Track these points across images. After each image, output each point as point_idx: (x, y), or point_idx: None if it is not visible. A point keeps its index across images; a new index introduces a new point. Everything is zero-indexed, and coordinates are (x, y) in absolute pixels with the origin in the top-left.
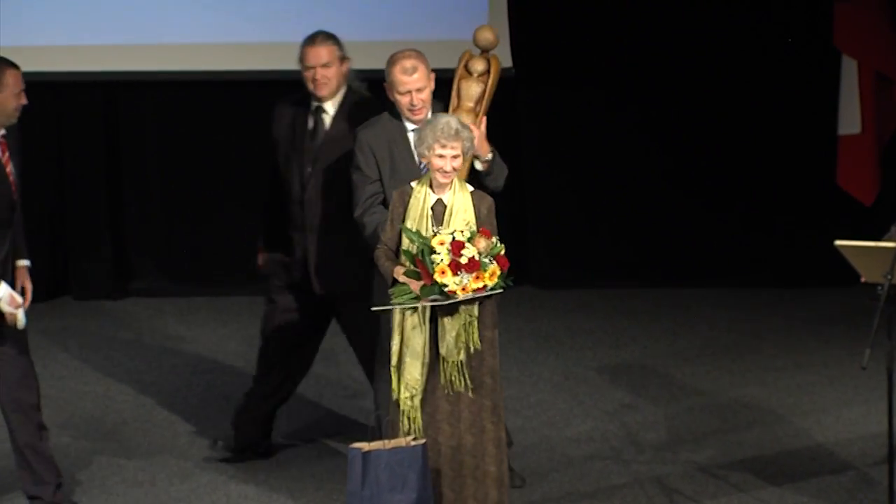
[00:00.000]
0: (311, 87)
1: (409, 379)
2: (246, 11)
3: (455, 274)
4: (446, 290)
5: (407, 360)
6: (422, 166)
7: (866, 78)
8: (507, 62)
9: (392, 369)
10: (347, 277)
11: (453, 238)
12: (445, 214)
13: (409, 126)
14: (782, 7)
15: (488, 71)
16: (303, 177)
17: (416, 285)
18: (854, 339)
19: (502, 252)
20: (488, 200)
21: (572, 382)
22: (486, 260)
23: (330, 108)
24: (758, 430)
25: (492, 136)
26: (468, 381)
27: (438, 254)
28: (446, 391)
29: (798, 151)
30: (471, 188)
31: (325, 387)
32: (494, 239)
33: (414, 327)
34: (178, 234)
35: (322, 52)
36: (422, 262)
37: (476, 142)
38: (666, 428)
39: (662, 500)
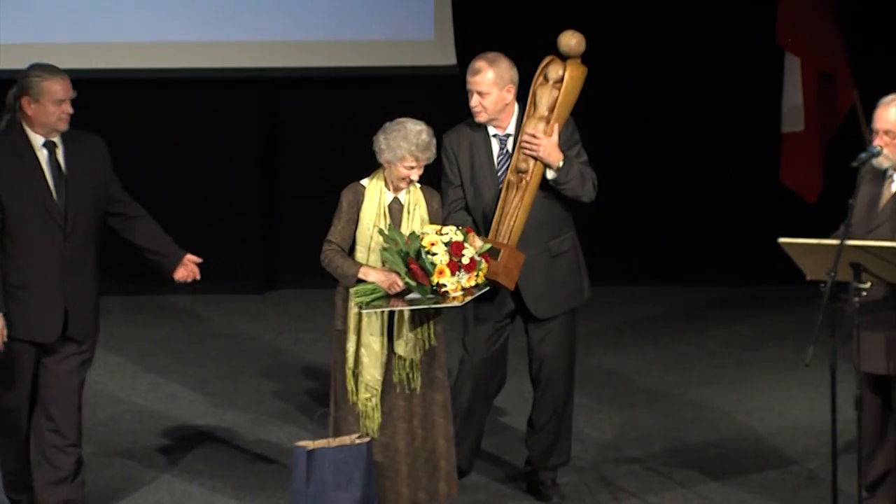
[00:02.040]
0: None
1: (369, 380)
2: (185, 10)
3: (453, 274)
4: (443, 290)
5: (365, 361)
6: (500, 173)
7: (809, 76)
8: (452, 59)
9: (348, 371)
10: None
11: (450, 239)
12: (403, 213)
13: (493, 131)
14: (726, 6)
15: (564, 78)
16: None
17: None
18: (797, 337)
19: (487, 250)
20: (437, 195)
21: (517, 380)
22: (479, 259)
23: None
24: (702, 427)
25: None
26: (421, 378)
27: (436, 254)
28: (398, 389)
29: (743, 150)
30: (419, 184)
31: (270, 385)
32: (480, 237)
33: (372, 329)
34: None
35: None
36: (417, 263)
37: (545, 150)
38: (610, 426)
39: (606, 498)
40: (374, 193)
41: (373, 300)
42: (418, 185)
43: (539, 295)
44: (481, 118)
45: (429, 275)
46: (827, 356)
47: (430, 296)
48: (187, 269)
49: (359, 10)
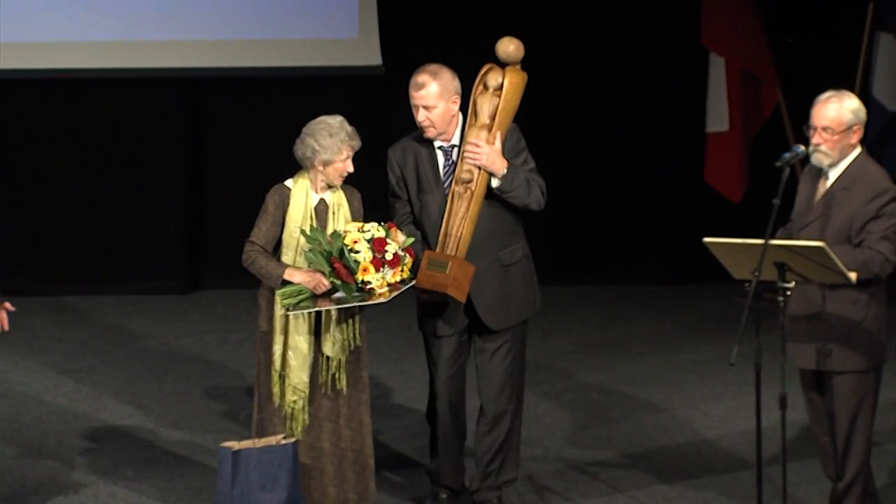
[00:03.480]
0: None
1: (297, 382)
2: (108, 10)
3: (378, 270)
4: (367, 287)
5: (293, 363)
6: (446, 185)
7: (733, 76)
8: (377, 59)
9: (274, 374)
10: None
11: (372, 236)
12: (328, 214)
13: (438, 142)
14: (650, 6)
15: (504, 85)
16: None
17: (312, 284)
18: (722, 336)
19: (411, 244)
20: (357, 193)
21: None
22: (402, 253)
23: None
24: (627, 427)
25: (363, 135)
26: (347, 378)
27: (359, 252)
28: (324, 390)
29: (668, 150)
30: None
31: (195, 385)
32: (402, 231)
33: (300, 331)
34: (46, 232)
35: None
36: (341, 262)
37: (488, 159)
38: (536, 425)
39: (533, 498)
40: (301, 195)
41: (299, 301)
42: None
43: (492, 306)
44: (431, 133)
45: (353, 273)
46: (752, 355)
47: (356, 294)
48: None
49: (282, 8)
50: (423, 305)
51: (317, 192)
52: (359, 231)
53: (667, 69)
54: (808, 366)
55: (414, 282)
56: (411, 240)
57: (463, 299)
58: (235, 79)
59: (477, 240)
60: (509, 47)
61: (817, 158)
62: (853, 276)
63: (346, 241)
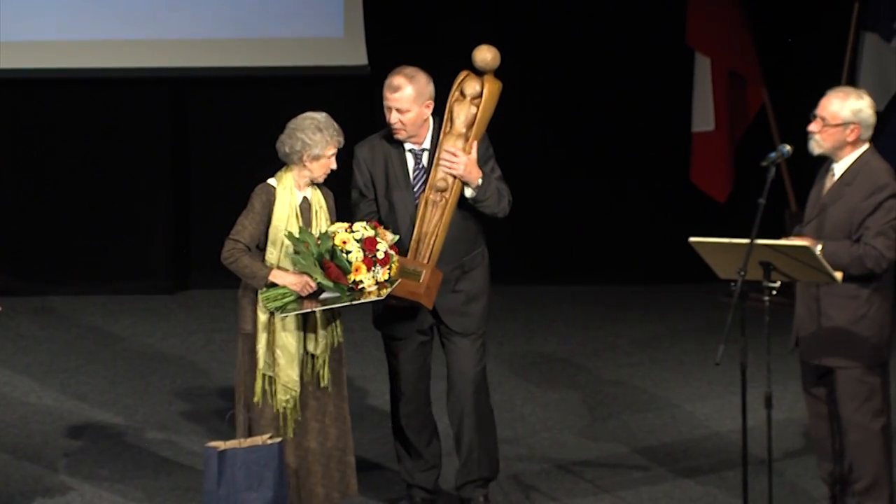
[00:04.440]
0: None
1: (287, 381)
2: (93, 9)
3: (369, 270)
4: (360, 286)
5: (281, 362)
6: (415, 188)
7: (719, 76)
8: (363, 59)
9: (259, 374)
10: None
11: (362, 236)
12: (312, 212)
13: (408, 145)
14: (636, 6)
15: (482, 94)
16: None
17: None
18: (708, 336)
19: (395, 242)
20: (331, 193)
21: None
22: (391, 252)
23: None
24: (613, 427)
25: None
26: (332, 376)
27: (350, 252)
28: (310, 388)
29: (653, 149)
30: None
31: (181, 386)
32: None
33: (287, 330)
34: (31, 232)
35: None
36: (333, 262)
37: (466, 169)
38: (522, 425)
39: (519, 497)
40: (286, 194)
41: (285, 304)
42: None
43: (454, 310)
44: (401, 136)
45: (346, 273)
46: (737, 355)
47: (347, 294)
48: None
49: (268, 7)
50: (385, 307)
51: (300, 189)
52: (347, 231)
53: (652, 69)
54: (810, 360)
55: (399, 280)
56: (396, 237)
57: (431, 306)
58: (221, 78)
59: (445, 246)
60: (487, 56)
61: (811, 145)
62: (839, 275)
63: (336, 242)
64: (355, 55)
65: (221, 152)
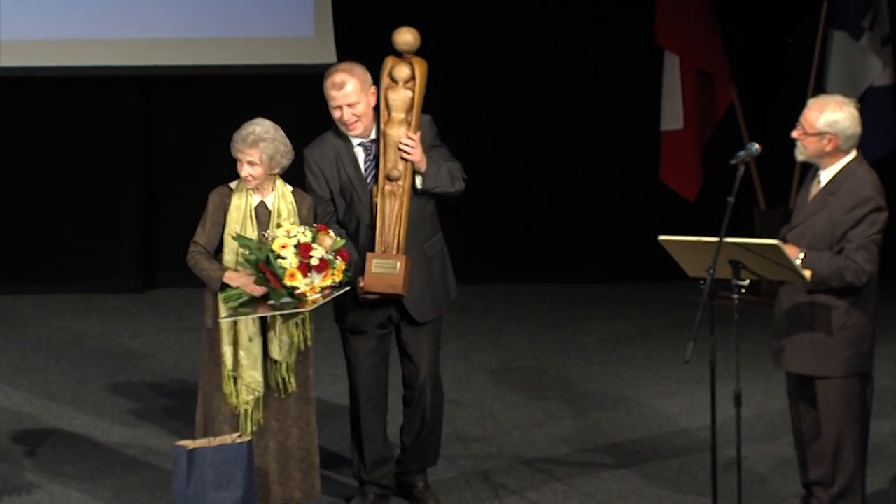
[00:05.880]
0: None
1: (250, 381)
2: (61, 7)
3: (305, 276)
4: (296, 292)
5: (245, 363)
6: (368, 181)
7: (688, 74)
8: (332, 57)
9: (226, 372)
10: None
11: (298, 241)
12: (271, 217)
13: (356, 141)
14: (605, 4)
15: (414, 76)
16: None
17: (250, 288)
18: (677, 334)
19: (343, 245)
20: (308, 200)
21: (397, 379)
22: (332, 257)
23: None
24: (582, 424)
25: (302, 133)
26: (297, 378)
27: (285, 258)
28: (277, 394)
29: (623, 148)
30: (291, 188)
31: (149, 384)
32: (332, 233)
33: (251, 335)
34: (3, 230)
35: None
36: (268, 268)
37: (418, 155)
38: (491, 423)
39: (488, 495)
40: (241, 197)
41: (239, 305)
42: (290, 189)
43: (418, 299)
44: (357, 129)
45: (280, 279)
46: (706, 353)
47: (286, 300)
48: None
49: (237, 7)
50: (343, 300)
51: (256, 192)
52: (286, 236)
53: (622, 67)
54: (789, 368)
55: (349, 287)
56: (342, 242)
57: (406, 294)
58: (190, 77)
59: (406, 233)
60: (409, 38)
61: (796, 151)
62: (807, 273)
63: (274, 247)
64: (325, 54)
65: (190, 151)
